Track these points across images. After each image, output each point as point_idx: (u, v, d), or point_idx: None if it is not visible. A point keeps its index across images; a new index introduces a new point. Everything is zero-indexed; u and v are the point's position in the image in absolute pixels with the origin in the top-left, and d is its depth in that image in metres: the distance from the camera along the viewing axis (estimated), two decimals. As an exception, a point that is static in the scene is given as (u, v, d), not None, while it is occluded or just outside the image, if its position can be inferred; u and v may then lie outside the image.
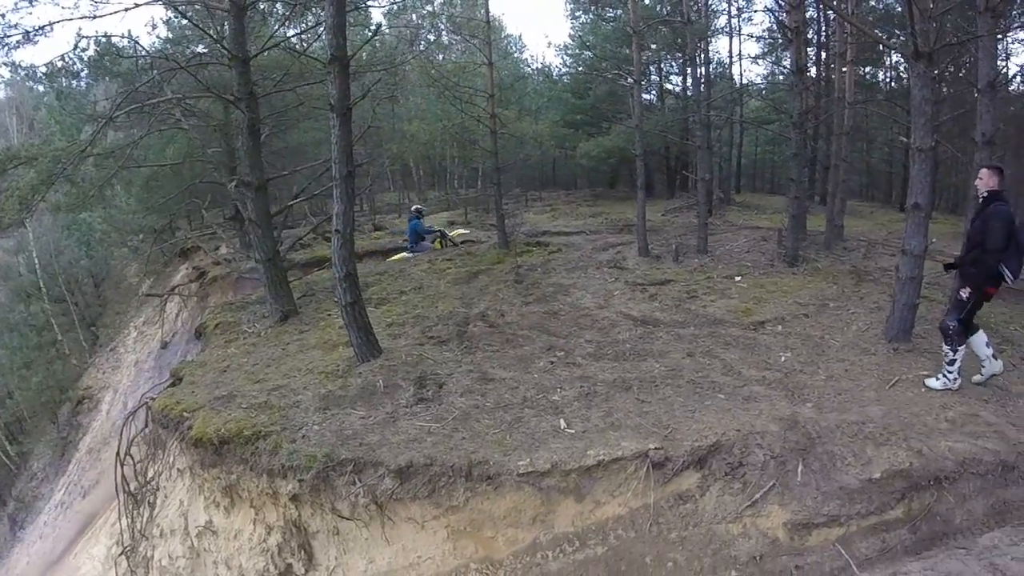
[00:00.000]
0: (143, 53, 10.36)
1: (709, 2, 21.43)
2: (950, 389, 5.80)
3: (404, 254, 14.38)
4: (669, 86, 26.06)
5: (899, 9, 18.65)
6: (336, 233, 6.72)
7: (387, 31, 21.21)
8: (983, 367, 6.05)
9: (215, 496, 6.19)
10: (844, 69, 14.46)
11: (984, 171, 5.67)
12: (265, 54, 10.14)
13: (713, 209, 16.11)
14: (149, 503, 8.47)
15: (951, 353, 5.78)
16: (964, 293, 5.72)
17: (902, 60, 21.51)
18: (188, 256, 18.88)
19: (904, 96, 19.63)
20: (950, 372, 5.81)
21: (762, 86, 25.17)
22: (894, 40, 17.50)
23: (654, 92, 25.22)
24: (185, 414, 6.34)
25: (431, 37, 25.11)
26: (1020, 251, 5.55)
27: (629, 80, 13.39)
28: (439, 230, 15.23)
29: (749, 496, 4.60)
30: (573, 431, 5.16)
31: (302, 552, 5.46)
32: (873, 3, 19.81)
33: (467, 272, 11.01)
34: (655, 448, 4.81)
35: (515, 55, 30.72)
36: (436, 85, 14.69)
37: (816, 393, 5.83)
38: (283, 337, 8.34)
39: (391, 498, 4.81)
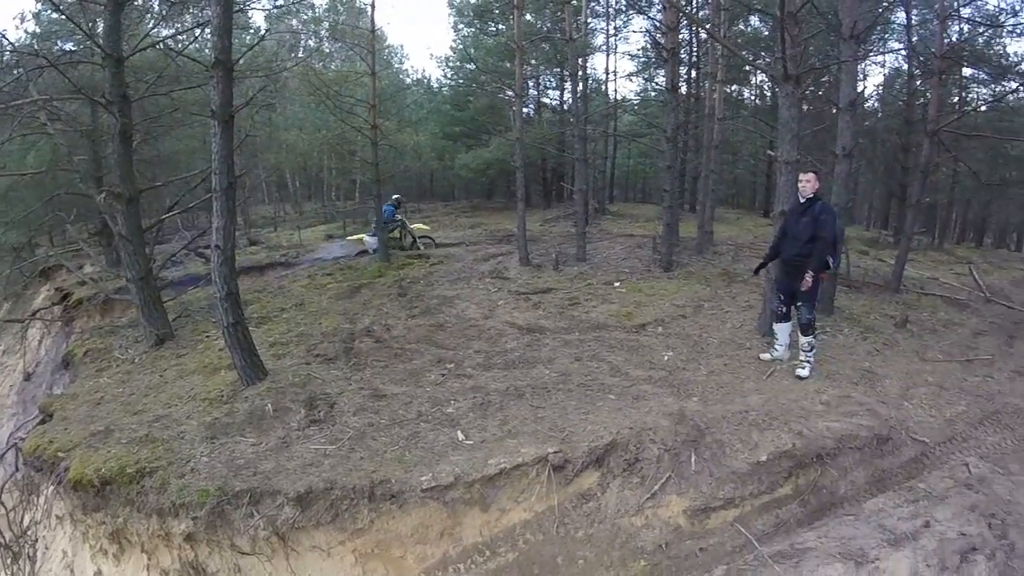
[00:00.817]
0: (8, 47, 9.27)
1: (588, 21, 22.12)
2: (812, 376, 6.38)
3: (364, 236, 14.51)
4: (547, 100, 26.68)
5: (766, 33, 20.14)
6: (216, 249, 6.26)
7: (268, 36, 20.30)
8: (776, 350, 6.79)
9: (101, 543, 5.59)
10: (714, 87, 15.28)
11: (811, 175, 6.19)
12: (139, 54, 9.34)
13: (589, 219, 16.57)
14: (28, 556, 7.59)
15: (814, 339, 6.40)
16: (809, 279, 6.14)
17: (767, 80, 23.33)
18: (50, 276, 16.98)
19: (768, 112, 21.37)
20: (811, 360, 6.43)
21: (635, 102, 26.29)
22: (761, 61, 18.72)
23: (532, 106, 25.68)
24: (60, 454, 5.73)
25: (312, 44, 24.31)
26: (836, 243, 6.42)
27: (510, 93, 13.53)
28: (402, 219, 14.90)
29: (648, 489, 4.74)
30: (472, 442, 5.13)
31: (202, 595, 5.07)
32: (742, 27, 21.17)
33: (349, 287, 10.69)
34: (554, 452, 4.85)
35: (397, 66, 30.27)
36: (317, 94, 14.12)
37: (700, 387, 6.15)
38: (160, 363, 7.72)
39: (293, 527, 4.55)
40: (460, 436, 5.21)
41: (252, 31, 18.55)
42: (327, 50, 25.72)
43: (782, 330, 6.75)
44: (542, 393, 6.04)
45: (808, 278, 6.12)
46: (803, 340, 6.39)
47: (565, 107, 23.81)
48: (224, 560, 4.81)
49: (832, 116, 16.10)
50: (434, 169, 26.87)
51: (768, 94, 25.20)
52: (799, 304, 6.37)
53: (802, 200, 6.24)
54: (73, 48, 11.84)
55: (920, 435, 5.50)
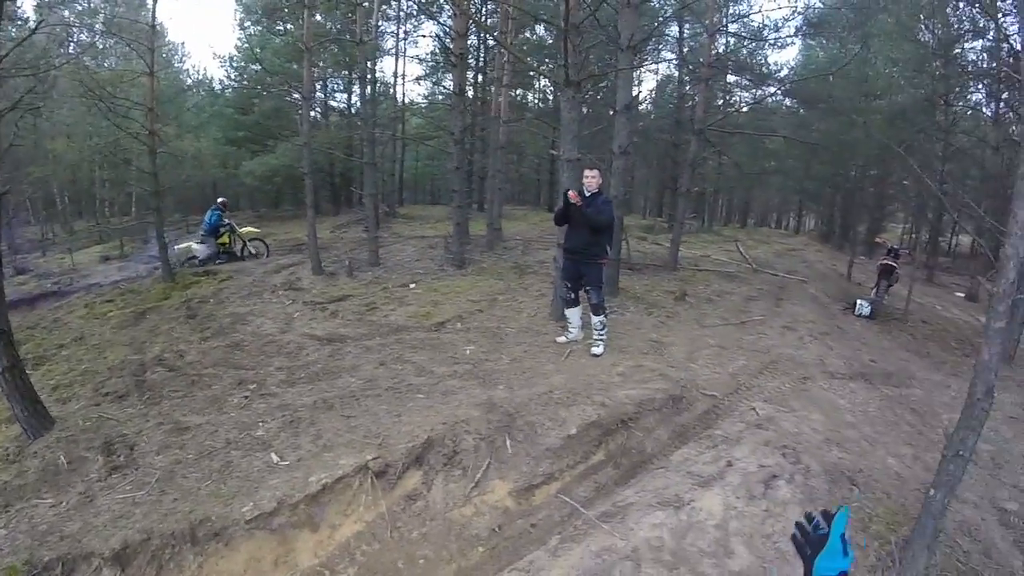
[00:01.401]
0: None
1: (379, 24, 21.81)
2: (604, 353, 7.00)
3: (192, 244, 13.53)
4: (335, 103, 26.03)
5: (550, 41, 21.32)
6: (-22, 281, 5.42)
7: (35, 26, 17.33)
8: (570, 332, 7.50)
9: None
10: (500, 91, 15.94)
11: (595, 172, 6.86)
12: None
13: (380, 222, 16.63)
14: None
15: (605, 318, 7.02)
16: (604, 263, 6.97)
17: (550, 85, 24.72)
18: None
19: (550, 115, 22.87)
20: (605, 337, 7.07)
21: (423, 105, 26.49)
22: (544, 68, 19.78)
23: (319, 109, 24.89)
24: None
25: (85, 38, 21.23)
26: (616, 233, 7.39)
27: (297, 96, 13.08)
28: (230, 223, 13.97)
29: (471, 478, 4.98)
30: (288, 462, 5.08)
31: (20, 678, 4.54)
32: (528, 35, 22.10)
33: (132, 313, 9.83)
34: (373, 458, 4.94)
35: (177, 65, 27.53)
36: (89, 95, 12.38)
37: (504, 376, 6.52)
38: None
39: (114, 589, 4.27)
40: (275, 458, 5.14)
41: (19, 22, 15.94)
42: (101, 46, 22.70)
43: (573, 314, 7.41)
44: (351, 402, 6.08)
45: (603, 263, 6.94)
46: (595, 320, 7.06)
47: (353, 110, 23.42)
48: (46, 635, 4.39)
49: (610, 118, 17.81)
50: (217, 177, 25.02)
51: (551, 98, 26.83)
52: (587, 288, 7.03)
53: (587, 194, 6.76)
54: None
55: (709, 390, 6.29)
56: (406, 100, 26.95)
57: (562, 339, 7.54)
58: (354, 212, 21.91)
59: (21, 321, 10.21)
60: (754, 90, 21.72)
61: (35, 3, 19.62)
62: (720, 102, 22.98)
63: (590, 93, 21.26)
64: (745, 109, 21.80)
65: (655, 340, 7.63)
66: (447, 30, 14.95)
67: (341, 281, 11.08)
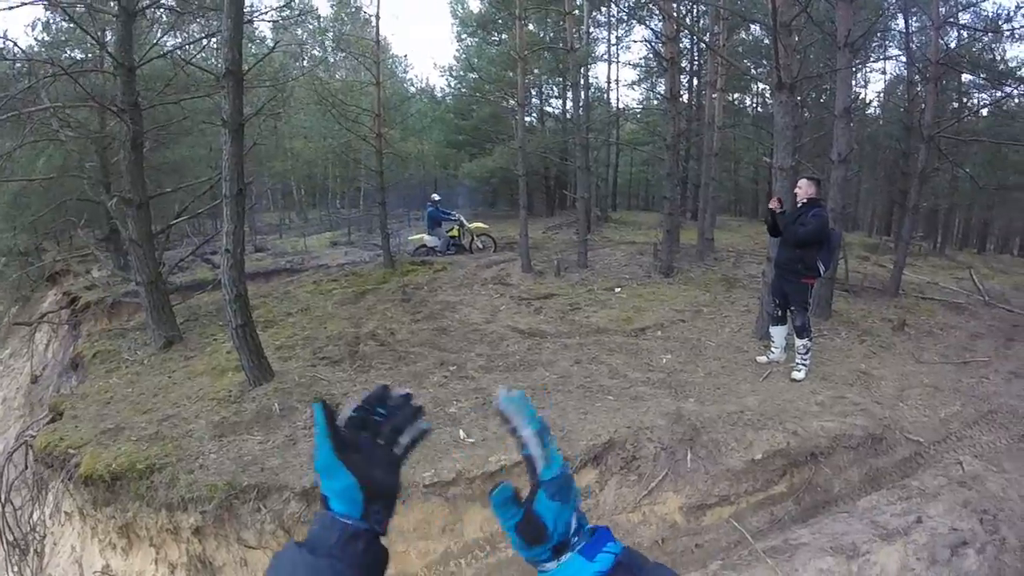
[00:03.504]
0: (20, 56, 9.47)
1: (590, 31, 22.30)
2: (806, 377, 6.50)
3: (424, 236, 15.24)
4: (549, 109, 26.89)
5: (766, 41, 20.33)
6: (225, 253, 6.39)
7: (273, 45, 20.49)
8: (773, 350, 6.94)
9: (110, 537, 5.73)
10: (714, 96, 15.41)
11: (803, 182, 6.39)
12: (148, 63, 9.54)
13: (591, 226, 16.72)
14: (37, 552, 7.71)
15: (809, 342, 6.52)
16: (809, 283, 6.46)
17: (767, 88, 23.50)
18: (57, 281, 17.21)
19: (768, 120, 21.55)
20: (807, 362, 6.55)
21: (637, 110, 26.46)
22: (761, 71, 18.82)
23: (535, 114, 25.89)
24: (71, 451, 5.87)
25: (317, 53, 24.54)
26: (831, 250, 6.49)
27: (512, 102, 13.68)
28: (458, 218, 15.37)
29: (645, 486, 4.84)
30: (473, 440, 5.25)
31: (209, 587, 5.19)
32: (743, 35, 21.31)
33: (353, 292, 10.84)
34: None
35: (401, 75, 30.58)
36: (322, 103, 14.43)
37: (697, 389, 6.26)
38: (168, 364, 7.86)
39: (299, 522, 4.66)
40: (462, 435, 5.33)
41: (258, 40, 18.79)
42: (332, 60, 25.96)
43: (777, 333, 6.89)
44: (542, 394, 6.16)
45: (808, 284, 6.41)
46: (798, 343, 6.52)
47: (568, 116, 24.00)
48: (231, 554, 4.93)
49: (831, 123, 16.31)
50: (438, 177, 27.13)
51: (770, 102, 25.36)
52: (791, 308, 6.52)
53: (798, 206, 6.41)
54: (81, 56, 11.98)
55: (914, 435, 5.61)
56: (620, 105, 26.97)
57: (763, 359, 7.03)
58: (567, 214, 22.33)
59: (256, 291, 11.75)
60: (992, 91, 18.76)
61: (271, 24, 22.78)
62: (955, 105, 19.92)
63: (811, 96, 19.64)
64: (983, 113, 19.18)
65: (863, 371, 6.88)
66: (657, 34, 14.63)
67: (548, 280, 11.29)
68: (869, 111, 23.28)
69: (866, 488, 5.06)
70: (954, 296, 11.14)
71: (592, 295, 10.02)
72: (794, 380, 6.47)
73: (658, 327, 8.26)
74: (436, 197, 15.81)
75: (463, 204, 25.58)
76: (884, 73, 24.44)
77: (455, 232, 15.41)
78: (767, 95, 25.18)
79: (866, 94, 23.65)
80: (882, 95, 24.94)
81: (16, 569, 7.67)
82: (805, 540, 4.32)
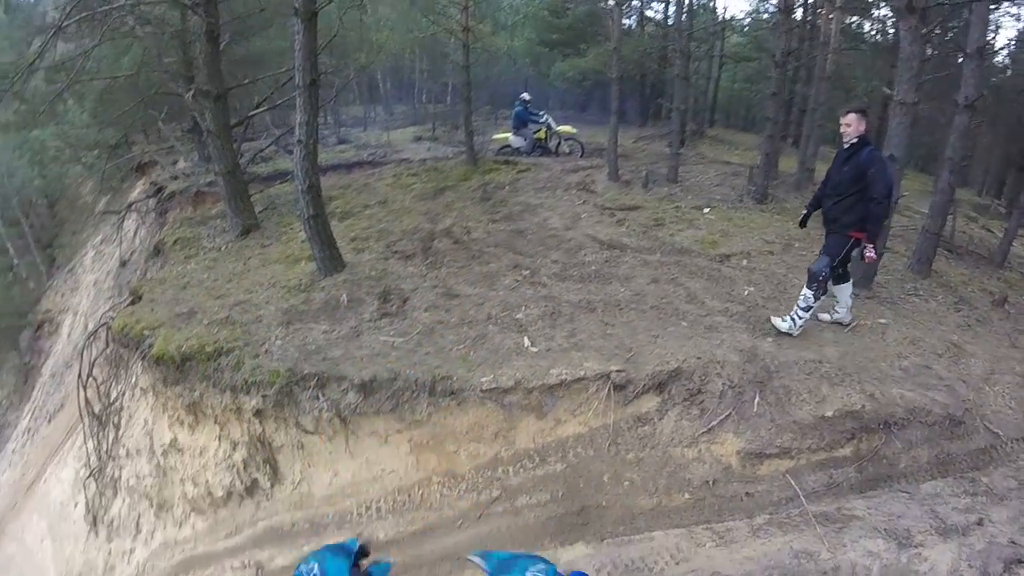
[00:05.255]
0: None
1: None
2: (790, 334, 5.71)
3: (509, 135, 15.13)
4: (650, 13, 25.47)
5: None
6: (298, 144, 6.48)
7: None
8: (837, 310, 6.12)
9: (179, 414, 6.21)
10: (831, 15, 14.07)
11: (851, 116, 5.46)
12: None
13: (686, 140, 15.99)
14: (114, 424, 8.46)
15: (811, 298, 5.61)
16: (869, 252, 5.58)
17: (890, 14, 21.38)
18: (145, 171, 18.16)
19: (888, 50, 19.70)
20: (800, 317, 5.70)
21: (745, 22, 24.71)
22: None
23: (634, 16, 24.57)
24: (146, 332, 6.27)
25: None
26: (888, 198, 5.51)
27: (610, 2, 12.96)
28: (546, 119, 15.13)
29: (706, 423, 4.71)
30: (537, 350, 5.22)
31: (267, 467, 5.54)
32: None
33: (433, 188, 10.85)
34: (617, 370, 4.88)
35: (494, -36, 29.44)
36: None
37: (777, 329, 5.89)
38: (244, 252, 8.21)
39: (355, 412, 4.87)
40: (526, 343, 5.32)
41: None
42: None
43: (840, 291, 6.10)
44: (614, 310, 6.02)
45: (869, 252, 5.51)
46: (803, 291, 5.70)
47: (669, 21, 22.68)
48: (289, 437, 5.23)
49: (956, 65, 14.66)
50: (528, 76, 26.39)
51: (891, 31, 23.14)
52: (862, 250, 5.65)
53: (845, 146, 5.53)
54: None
55: (995, 426, 5.12)
56: (726, 15, 25.16)
57: (826, 317, 6.22)
58: (660, 126, 21.45)
59: (337, 182, 11.98)
60: None
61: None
62: None
63: (936, 32, 17.62)
64: None
65: (954, 344, 6.21)
66: None
67: (634, 191, 10.89)
68: (998, 59, 20.75)
69: (933, 472, 4.73)
70: (1066, 278, 10.08)
71: (679, 213, 9.61)
72: (773, 326, 5.81)
73: (744, 256, 7.83)
74: (526, 97, 15.30)
75: (552, 106, 24.92)
76: (1019, 20, 21.63)
77: (542, 134, 14.98)
78: (888, 23, 22.97)
79: (995, 39, 21.01)
80: (1013, 44, 22.20)
81: (95, 440, 8.43)
82: (859, 514, 4.18)
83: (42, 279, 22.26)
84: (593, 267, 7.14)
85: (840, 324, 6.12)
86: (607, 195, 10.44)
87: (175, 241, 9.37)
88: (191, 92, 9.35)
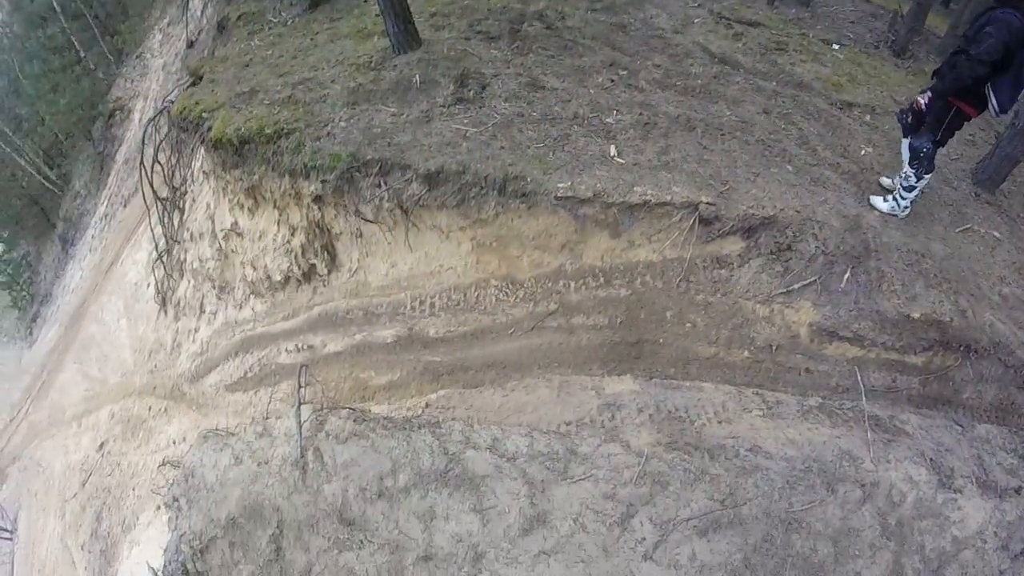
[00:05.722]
0: None
1: None
2: (895, 215, 5.11)
3: None
4: None
5: None
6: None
7: None
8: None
9: (239, 198, 6.07)
10: None
11: None
12: None
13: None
14: (179, 208, 8.52)
15: (913, 178, 4.99)
16: (923, 99, 4.80)
17: None
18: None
19: None
20: (904, 198, 5.11)
21: None
22: None
23: None
24: (204, 115, 5.99)
25: None
26: (1020, 83, 4.56)
27: None
28: None
29: (787, 283, 4.34)
30: (623, 161, 4.72)
31: (325, 253, 5.41)
32: None
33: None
34: (707, 202, 4.42)
35: None
36: None
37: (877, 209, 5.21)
38: (312, 26, 7.61)
39: (417, 204, 4.57)
40: (613, 151, 4.79)
41: None
42: None
43: (903, 146, 5.32)
44: (715, 134, 5.34)
45: (922, 99, 4.73)
46: (904, 168, 5.03)
47: None
48: (348, 224, 5.01)
49: None
50: None
51: None
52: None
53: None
54: None
55: None
56: None
57: (887, 180, 5.51)
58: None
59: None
60: None
61: None
62: None
63: None
64: None
65: None
66: None
67: (758, 5, 9.61)
68: None
69: (992, 415, 4.35)
70: None
71: (805, 41, 8.50)
72: (872, 206, 5.14)
73: (868, 109, 6.85)
74: None
75: None
76: None
77: None
78: None
79: None
80: None
81: (163, 224, 8.50)
82: (910, 430, 3.98)
83: (111, 68, 22.27)
84: (699, 80, 6.28)
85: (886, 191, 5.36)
86: (726, 1, 9.33)
87: (239, 16, 8.82)
88: None
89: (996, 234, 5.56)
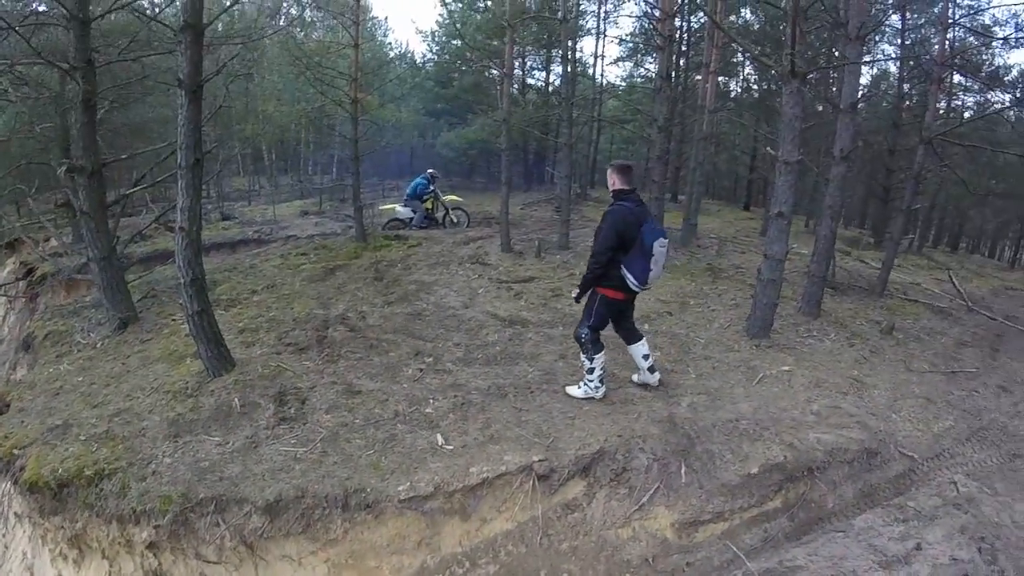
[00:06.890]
0: None
1: (580, 2, 21.69)
2: (593, 397, 5.62)
3: (396, 207, 15.26)
4: (532, 81, 26.29)
5: (757, 27, 20.19)
6: (180, 231, 5.80)
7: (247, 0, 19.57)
8: (640, 373, 6.00)
9: (61, 547, 5.28)
10: (707, 78, 14.81)
11: (608, 171, 5.43)
12: (110, 17, 8.63)
13: (572, 205, 16.38)
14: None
15: (587, 362, 5.53)
16: (573, 293, 5.55)
17: (754, 73, 23.24)
18: (16, 249, 16.29)
19: (752, 106, 21.22)
20: (590, 381, 5.60)
21: (621, 87, 25.92)
22: (764, 56, 18.49)
23: (517, 86, 25.28)
24: (15, 451, 5.41)
25: (294, 11, 23.62)
26: (645, 255, 5.10)
27: (496, 72, 13.13)
28: (434, 189, 15.01)
29: (636, 500, 4.59)
30: (452, 447, 4.91)
31: (168, 605, 4.82)
32: (733, 18, 20.97)
33: (323, 268, 10.32)
34: (539, 460, 4.67)
35: (381, 38, 29.44)
36: (297, 64, 13.71)
37: (689, 393, 5.92)
38: (123, 349, 7.34)
39: (262, 537, 4.31)
40: (440, 440, 4.99)
41: None
42: (309, 18, 24.98)
43: (633, 352, 5.94)
44: (525, 394, 5.80)
45: (573, 294, 5.56)
46: (582, 358, 5.66)
47: (551, 89, 23.48)
48: (189, 569, 4.56)
49: (822, 116, 15.94)
50: (415, 146, 26.40)
51: (755, 88, 25.15)
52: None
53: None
54: (44, 10, 11.14)
55: (908, 450, 5.41)
56: (604, 82, 26.34)
57: (635, 377, 6.12)
58: (545, 190, 21.98)
59: (221, 263, 11.20)
60: (979, 95, 18.97)
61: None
62: (941, 105, 19.77)
63: (808, 86, 19.37)
64: (968, 116, 18.94)
65: (856, 379, 6.64)
66: (653, 10, 13.97)
67: (528, 261, 10.83)
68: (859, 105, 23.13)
69: (860, 505, 4.86)
70: (937, 299, 11.07)
71: (574, 280, 9.56)
72: (570, 396, 5.73)
73: (644, 319, 7.87)
74: (433, 172, 15.27)
75: (440, 176, 25.11)
76: (871, 68, 24.32)
77: (429, 204, 14.99)
78: (752, 81, 24.96)
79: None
80: (866, 90, 24.85)
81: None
82: (801, 563, 4.13)
83: None
84: (497, 347, 6.91)
85: (647, 385, 5.99)
86: (502, 267, 10.34)
87: (46, 335, 8.25)
88: (63, 167, 8.30)
89: (785, 368, 6.58)
